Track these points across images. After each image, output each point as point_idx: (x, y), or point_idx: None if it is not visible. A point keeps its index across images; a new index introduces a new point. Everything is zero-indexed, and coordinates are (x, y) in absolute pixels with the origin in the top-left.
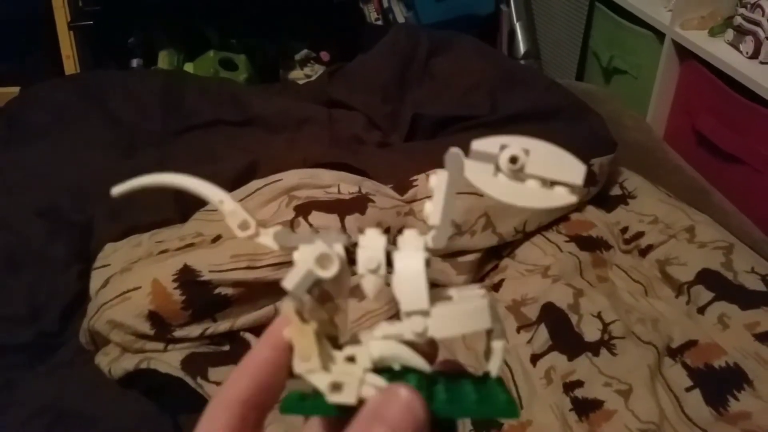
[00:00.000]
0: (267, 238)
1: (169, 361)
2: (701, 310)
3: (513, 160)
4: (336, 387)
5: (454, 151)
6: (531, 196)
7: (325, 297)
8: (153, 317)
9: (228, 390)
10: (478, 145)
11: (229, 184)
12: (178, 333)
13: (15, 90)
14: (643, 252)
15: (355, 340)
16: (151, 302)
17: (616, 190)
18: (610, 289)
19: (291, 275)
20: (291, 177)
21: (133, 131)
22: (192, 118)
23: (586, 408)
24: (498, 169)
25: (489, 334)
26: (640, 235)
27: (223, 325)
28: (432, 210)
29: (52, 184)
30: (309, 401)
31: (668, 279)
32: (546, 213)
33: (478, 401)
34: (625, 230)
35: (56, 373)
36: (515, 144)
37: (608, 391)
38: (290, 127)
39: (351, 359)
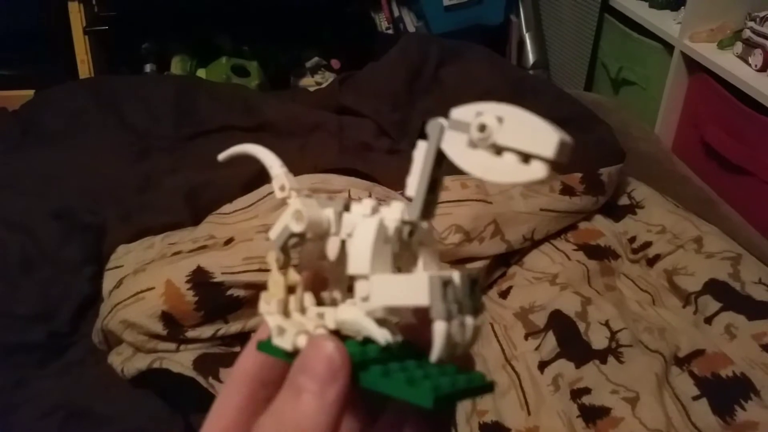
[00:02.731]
0: (294, 200)
1: (181, 361)
2: (708, 320)
3: (481, 128)
4: (281, 331)
5: (437, 120)
6: (498, 171)
7: (321, 256)
8: (166, 317)
9: (236, 370)
10: (457, 113)
11: (241, 189)
12: (191, 333)
13: (30, 93)
14: (651, 262)
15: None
16: (165, 303)
17: (624, 200)
18: (617, 298)
19: (274, 228)
20: (303, 182)
21: (145, 135)
22: (204, 123)
23: (593, 415)
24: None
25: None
26: (647, 244)
27: (234, 327)
28: (410, 181)
29: (66, 186)
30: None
31: (675, 289)
32: (554, 221)
33: (407, 382)
34: (632, 240)
35: (68, 373)
36: (490, 111)
37: (615, 398)
38: (301, 134)
39: (321, 316)
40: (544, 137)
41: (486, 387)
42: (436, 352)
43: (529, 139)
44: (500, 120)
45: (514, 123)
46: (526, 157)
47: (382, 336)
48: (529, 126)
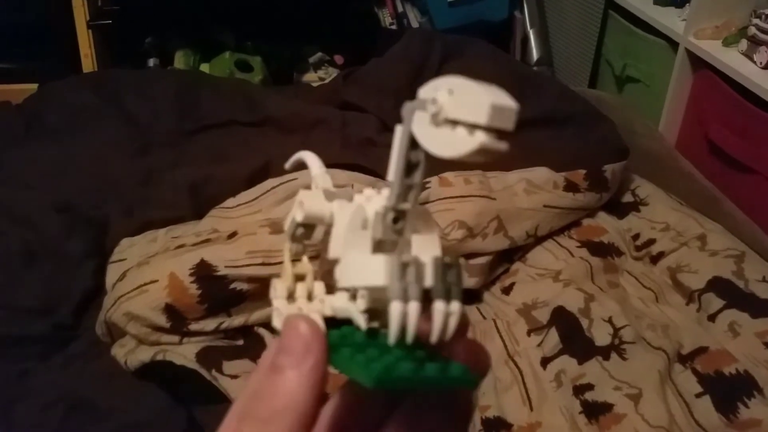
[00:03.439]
0: (301, 192)
1: (184, 353)
2: (712, 318)
3: (433, 103)
4: (279, 314)
5: (410, 102)
6: (451, 146)
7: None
8: (169, 310)
9: (264, 359)
10: (422, 91)
11: (243, 184)
12: (194, 326)
13: (33, 87)
14: (654, 259)
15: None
16: (168, 295)
17: (627, 197)
18: (620, 295)
19: (286, 219)
20: (306, 176)
21: (148, 130)
22: (207, 118)
23: (595, 411)
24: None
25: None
26: (651, 242)
27: (237, 320)
28: (390, 167)
29: (68, 180)
30: None
31: (679, 286)
32: (557, 218)
33: (362, 364)
34: (636, 237)
35: (70, 365)
36: (443, 85)
37: (618, 394)
38: (303, 129)
39: (323, 302)
40: (478, 103)
41: (466, 381)
42: (391, 333)
43: (469, 107)
44: (451, 93)
45: (460, 94)
46: (472, 128)
47: (363, 320)
48: (469, 94)
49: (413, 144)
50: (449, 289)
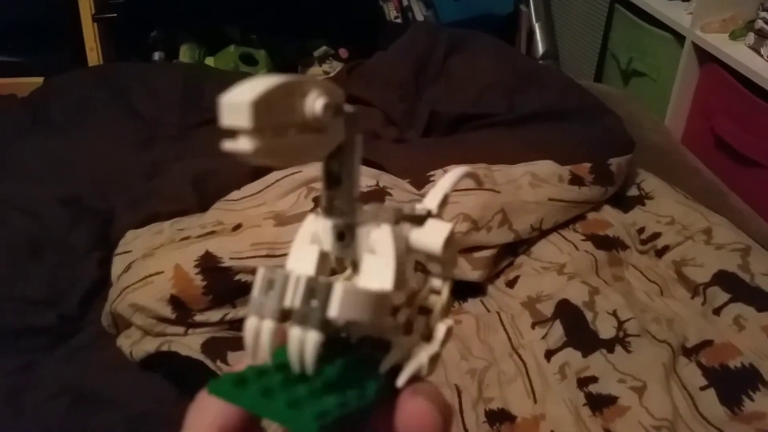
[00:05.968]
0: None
1: (189, 344)
2: (717, 311)
3: None
4: None
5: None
6: None
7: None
8: (174, 301)
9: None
10: None
11: (248, 176)
12: (199, 318)
13: (39, 80)
14: (660, 253)
15: None
16: (173, 287)
17: (633, 191)
18: (625, 289)
19: None
20: (310, 169)
21: (153, 123)
22: (211, 111)
23: (599, 403)
24: None
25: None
26: (656, 235)
27: (242, 311)
28: None
29: (74, 173)
30: None
31: (684, 280)
32: (562, 211)
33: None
34: (641, 231)
35: (76, 356)
36: None
37: (622, 387)
38: None
39: None
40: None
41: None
42: (246, 350)
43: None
44: None
45: None
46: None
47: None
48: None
49: (333, 153)
50: (307, 315)
